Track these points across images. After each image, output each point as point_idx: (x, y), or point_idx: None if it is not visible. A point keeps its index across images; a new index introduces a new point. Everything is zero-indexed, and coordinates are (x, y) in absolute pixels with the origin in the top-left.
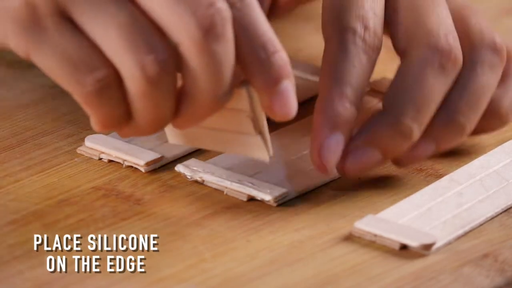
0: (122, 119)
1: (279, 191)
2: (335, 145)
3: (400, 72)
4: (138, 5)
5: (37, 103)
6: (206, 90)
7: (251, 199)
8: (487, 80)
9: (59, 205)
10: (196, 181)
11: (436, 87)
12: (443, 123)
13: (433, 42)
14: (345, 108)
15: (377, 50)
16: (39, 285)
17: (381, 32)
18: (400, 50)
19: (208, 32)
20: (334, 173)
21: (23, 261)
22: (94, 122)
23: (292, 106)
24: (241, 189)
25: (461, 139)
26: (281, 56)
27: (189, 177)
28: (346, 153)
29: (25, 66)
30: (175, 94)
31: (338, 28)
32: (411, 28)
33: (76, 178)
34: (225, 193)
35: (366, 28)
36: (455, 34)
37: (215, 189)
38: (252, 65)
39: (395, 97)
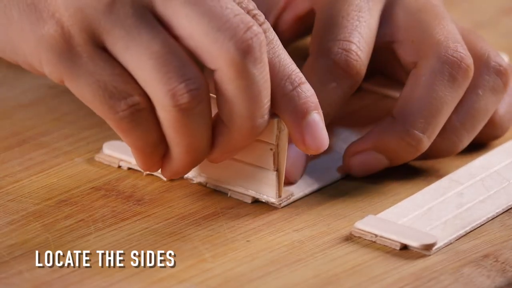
0: (157, 147)
1: (284, 192)
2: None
3: (410, 82)
4: (172, 32)
5: (37, 103)
6: (244, 116)
7: (255, 201)
8: (486, 105)
9: (58, 206)
10: (199, 183)
11: (446, 99)
12: (437, 139)
13: (442, 52)
14: None
15: (356, 72)
16: (38, 286)
17: (366, 53)
18: (409, 64)
19: (247, 55)
20: (295, 178)
21: (23, 262)
22: (133, 153)
23: (323, 138)
24: (245, 191)
25: (451, 155)
26: (307, 88)
27: (194, 180)
28: (354, 152)
29: None
30: (210, 123)
31: (316, 48)
32: (419, 41)
33: (76, 178)
34: (229, 195)
35: (346, 51)
36: (463, 44)
37: (215, 190)
38: (279, 98)
39: (405, 106)
